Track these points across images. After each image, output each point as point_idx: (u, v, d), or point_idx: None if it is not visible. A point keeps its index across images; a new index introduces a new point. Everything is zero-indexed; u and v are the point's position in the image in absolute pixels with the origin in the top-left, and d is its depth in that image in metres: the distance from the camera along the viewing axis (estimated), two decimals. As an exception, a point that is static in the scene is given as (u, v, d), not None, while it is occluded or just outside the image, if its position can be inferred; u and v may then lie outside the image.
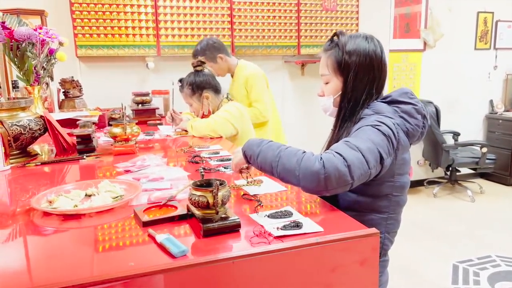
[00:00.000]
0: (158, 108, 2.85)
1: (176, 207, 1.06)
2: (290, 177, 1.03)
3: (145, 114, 2.78)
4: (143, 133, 2.25)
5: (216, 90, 2.27)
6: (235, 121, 2.14)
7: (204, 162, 1.62)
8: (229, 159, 1.63)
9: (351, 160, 1.00)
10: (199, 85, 2.22)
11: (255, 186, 1.28)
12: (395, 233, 1.29)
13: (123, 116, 1.82)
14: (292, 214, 1.02)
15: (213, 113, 2.28)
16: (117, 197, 1.15)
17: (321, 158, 1.00)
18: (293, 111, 3.94)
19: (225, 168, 1.52)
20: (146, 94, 2.84)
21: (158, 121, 2.65)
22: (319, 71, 1.31)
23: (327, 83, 1.29)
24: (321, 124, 4.00)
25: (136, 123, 1.87)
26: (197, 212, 0.95)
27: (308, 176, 0.99)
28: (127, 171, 1.49)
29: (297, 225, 0.94)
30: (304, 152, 1.05)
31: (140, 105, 2.80)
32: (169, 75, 3.36)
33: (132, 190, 1.19)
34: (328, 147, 1.28)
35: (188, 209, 1.01)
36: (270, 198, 1.19)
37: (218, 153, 1.76)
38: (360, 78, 1.23)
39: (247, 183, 1.29)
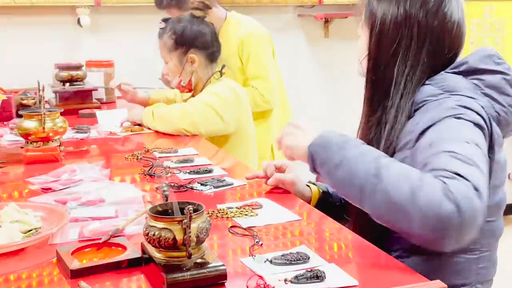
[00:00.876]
0: (96, 89, 2.85)
1: (124, 247, 1.05)
2: (397, 218, 0.98)
3: (75, 99, 2.77)
4: (72, 129, 2.25)
5: (211, 56, 2.28)
6: (226, 111, 2.14)
7: (169, 175, 1.62)
8: (209, 171, 1.64)
9: (481, 186, 0.96)
10: (188, 39, 2.23)
11: (251, 215, 1.29)
12: (489, 282, 1.27)
13: (40, 102, 1.82)
14: (308, 258, 1.02)
15: (194, 91, 2.28)
16: (31, 230, 1.15)
17: (449, 189, 0.94)
18: (313, 95, 3.94)
19: (202, 184, 1.52)
20: (78, 68, 2.83)
21: (96, 109, 2.65)
22: None
23: (359, 36, 1.34)
24: (359, 118, 3.98)
25: (61, 113, 1.87)
26: (157, 254, 0.95)
27: (432, 221, 0.94)
28: (46, 190, 1.48)
29: (317, 275, 0.94)
30: (421, 174, 0.99)
31: (68, 84, 2.80)
32: (114, 36, 3.35)
33: (54, 220, 1.19)
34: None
35: (144, 251, 1.01)
36: (274, 233, 1.19)
37: (191, 161, 1.76)
38: (389, 39, 1.24)
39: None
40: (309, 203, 1.46)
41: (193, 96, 2.30)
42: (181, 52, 2.22)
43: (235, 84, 2.28)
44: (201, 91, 2.26)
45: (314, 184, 1.53)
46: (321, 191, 1.50)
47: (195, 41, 2.23)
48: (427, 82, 1.22)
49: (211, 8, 2.41)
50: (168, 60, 2.26)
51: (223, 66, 2.29)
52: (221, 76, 2.27)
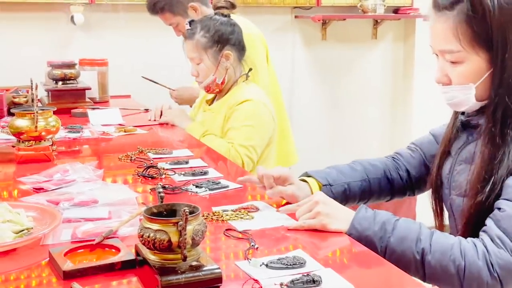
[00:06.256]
0: (89, 88, 2.85)
1: (118, 249, 1.06)
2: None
3: (68, 98, 2.77)
4: (65, 128, 2.25)
5: (241, 55, 2.31)
6: (263, 144, 2.16)
7: (164, 176, 1.62)
8: (204, 173, 1.64)
9: None
10: (223, 35, 2.25)
11: (247, 218, 1.29)
12: None
13: (32, 101, 1.81)
14: (305, 262, 1.03)
15: (221, 90, 2.28)
16: (23, 230, 1.15)
17: (491, 264, 1.06)
18: (310, 98, 3.95)
19: (197, 186, 1.52)
20: (71, 66, 2.83)
21: (89, 108, 2.65)
22: (433, 43, 1.27)
23: (455, 62, 1.24)
24: (356, 122, 4.02)
25: (54, 112, 1.87)
26: (152, 257, 0.96)
27: None
28: (38, 190, 1.49)
29: (314, 280, 0.95)
30: (457, 241, 1.12)
31: (60, 82, 2.80)
32: (108, 35, 3.35)
33: (46, 220, 1.19)
34: (474, 193, 1.23)
35: (138, 252, 1.01)
36: (269, 237, 1.19)
37: (186, 162, 1.77)
38: None
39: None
40: None
41: (218, 92, 2.29)
42: (216, 49, 2.23)
43: (263, 96, 2.28)
44: (228, 91, 2.27)
45: (311, 176, 1.48)
46: (321, 185, 1.46)
47: (230, 38, 2.26)
48: None
49: (235, 8, 2.41)
50: (203, 59, 2.25)
51: (250, 69, 2.31)
52: (246, 79, 2.29)
